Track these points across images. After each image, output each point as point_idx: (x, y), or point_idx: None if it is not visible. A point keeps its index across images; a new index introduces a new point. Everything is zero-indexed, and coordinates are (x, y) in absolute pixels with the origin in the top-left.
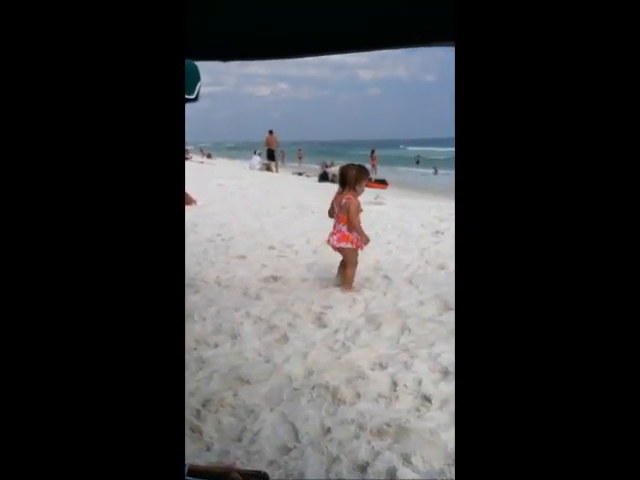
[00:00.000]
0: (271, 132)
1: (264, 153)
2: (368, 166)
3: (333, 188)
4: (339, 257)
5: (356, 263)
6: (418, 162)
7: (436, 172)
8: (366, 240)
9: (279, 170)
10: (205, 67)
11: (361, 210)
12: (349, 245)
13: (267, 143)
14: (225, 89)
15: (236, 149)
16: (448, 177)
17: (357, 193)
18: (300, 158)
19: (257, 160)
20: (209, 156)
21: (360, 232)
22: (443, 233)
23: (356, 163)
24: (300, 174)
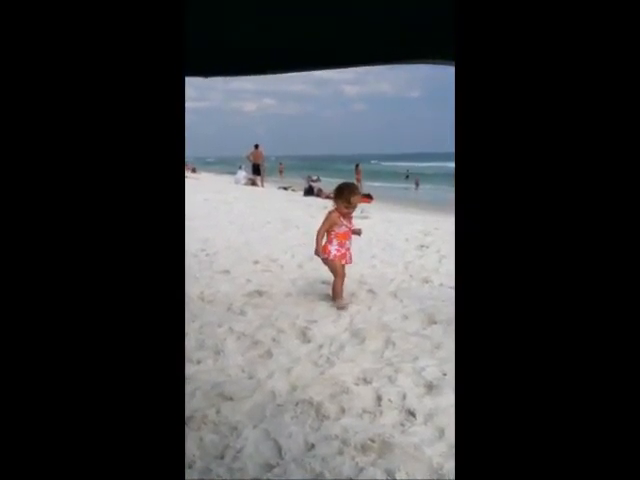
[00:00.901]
0: (257, 146)
1: (249, 168)
2: (353, 180)
3: (318, 202)
4: (324, 271)
5: (337, 271)
6: (407, 177)
7: (417, 187)
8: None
9: (264, 184)
10: (191, 82)
11: (337, 224)
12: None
13: (253, 158)
14: (211, 104)
15: (221, 163)
16: (431, 191)
17: (339, 208)
18: (281, 172)
19: (242, 175)
20: (194, 170)
21: (317, 241)
22: (427, 247)
23: (347, 181)
24: (285, 188)
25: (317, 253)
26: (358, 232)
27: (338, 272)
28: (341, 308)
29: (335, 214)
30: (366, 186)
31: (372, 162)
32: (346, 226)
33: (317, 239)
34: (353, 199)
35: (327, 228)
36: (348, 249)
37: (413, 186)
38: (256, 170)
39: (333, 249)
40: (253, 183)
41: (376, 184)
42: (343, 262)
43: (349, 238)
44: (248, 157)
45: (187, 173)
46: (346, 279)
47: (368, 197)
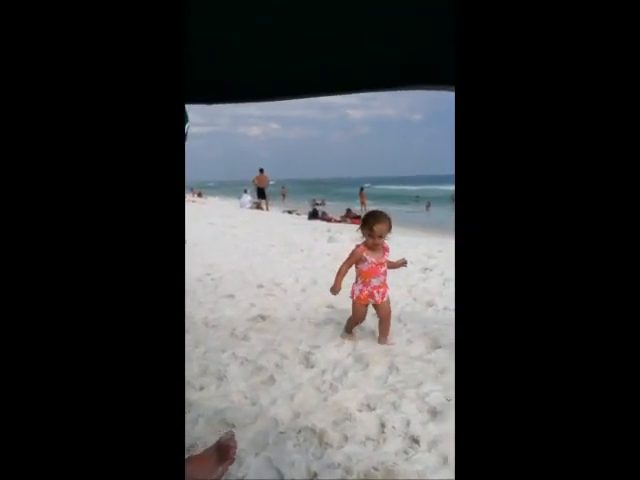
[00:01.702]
0: (262, 170)
1: (255, 192)
2: (357, 203)
3: (322, 226)
4: (327, 295)
5: (355, 315)
6: (417, 197)
7: (428, 208)
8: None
9: (269, 208)
10: (197, 109)
11: (361, 260)
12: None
13: (258, 182)
14: (217, 129)
15: (227, 187)
16: (434, 214)
17: (366, 240)
18: (284, 196)
19: (247, 199)
20: (199, 195)
21: (336, 278)
22: (431, 270)
23: (376, 209)
24: (290, 212)
25: (332, 291)
26: (399, 264)
27: (355, 317)
28: (343, 338)
29: (359, 249)
30: (370, 208)
31: (377, 186)
32: (373, 262)
33: (336, 276)
34: (377, 227)
35: (350, 264)
36: (376, 287)
37: (422, 208)
38: (261, 194)
39: (357, 289)
40: (258, 207)
41: (381, 207)
42: (370, 301)
43: (376, 275)
44: (253, 181)
45: (193, 197)
46: (349, 303)
47: None
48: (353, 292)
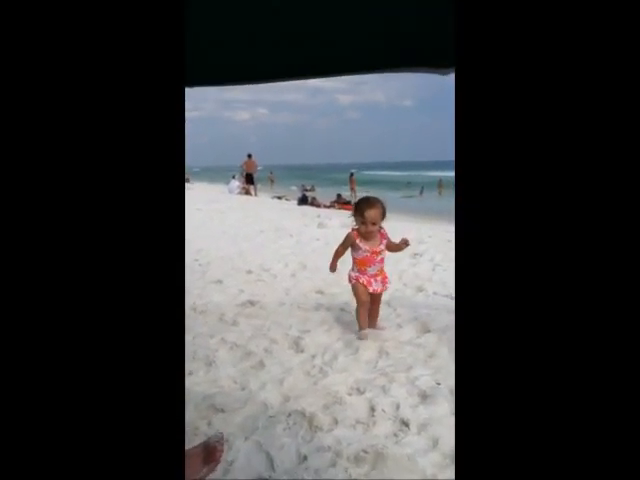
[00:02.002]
0: (250, 156)
1: (243, 177)
2: (347, 189)
3: (312, 211)
4: (317, 280)
5: (359, 297)
6: (409, 183)
7: (421, 193)
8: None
9: (258, 194)
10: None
11: (354, 247)
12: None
13: (246, 167)
14: (204, 114)
15: (214, 173)
16: (425, 200)
17: (359, 228)
18: (272, 181)
19: (236, 184)
20: (187, 180)
21: (333, 257)
22: (421, 255)
23: (370, 195)
24: (279, 198)
25: (330, 269)
26: (402, 245)
27: (358, 298)
28: (362, 339)
29: (352, 234)
30: (361, 194)
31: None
32: (367, 250)
33: (333, 256)
34: (368, 213)
35: (344, 248)
36: (373, 276)
37: (416, 193)
38: (250, 179)
39: (353, 275)
40: (247, 192)
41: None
42: (370, 290)
43: (371, 264)
44: (241, 166)
45: None
46: (338, 288)
47: None
48: (350, 277)
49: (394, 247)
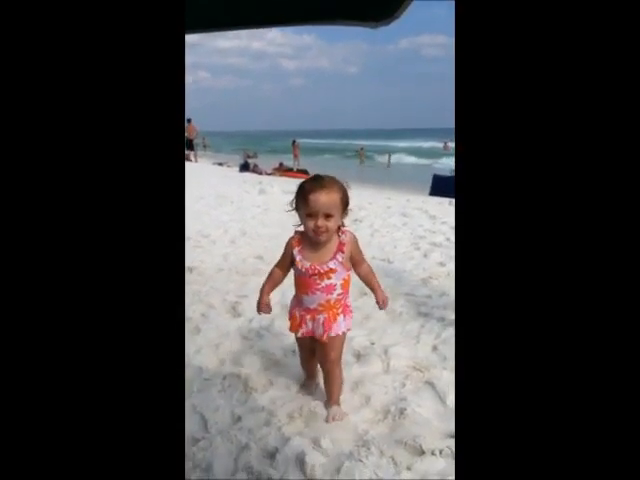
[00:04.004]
0: (189, 121)
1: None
2: (290, 157)
3: (253, 178)
4: (257, 246)
5: (300, 352)
6: (362, 149)
7: (361, 161)
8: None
9: (198, 160)
10: None
11: (295, 263)
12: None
13: (186, 132)
14: None
15: None
16: (370, 168)
17: (303, 229)
18: (205, 146)
19: None
20: None
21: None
22: (361, 221)
23: (320, 174)
24: (221, 164)
25: (258, 307)
26: (370, 283)
27: (299, 350)
28: (306, 393)
29: (291, 241)
30: (304, 161)
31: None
32: (307, 269)
33: (264, 284)
34: (316, 197)
35: (282, 268)
36: (311, 311)
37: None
38: (189, 145)
39: (291, 303)
40: (186, 158)
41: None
42: (299, 333)
43: (309, 291)
44: None
45: None
46: (274, 254)
47: (305, 173)
48: (289, 315)
49: (365, 276)
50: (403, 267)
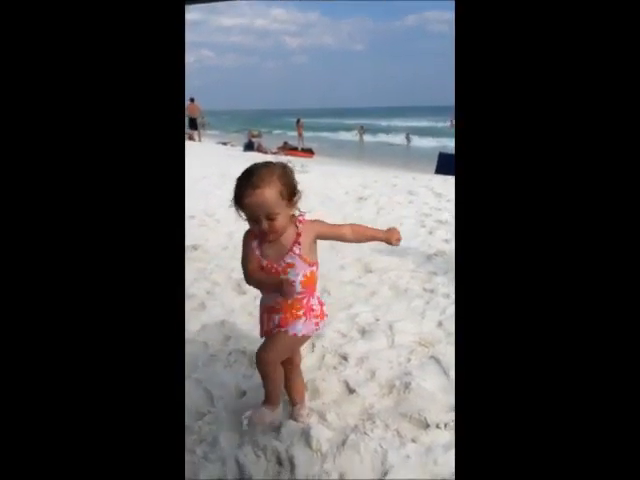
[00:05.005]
0: (192, 100)
1: (186, 122)
2: (295, 135)
3: (258, 157)
4: None
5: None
6: (362, 127)
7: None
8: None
9: (202, 139)
10: None
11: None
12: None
13: (189, 111)
14: None
15: None
16: (375, 147)
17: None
18: (203, 125)
19: None
20: None
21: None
22: (366, 200)
23: (259, 163)
24: (225, 144)
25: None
26: (369, 234)
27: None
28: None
29: (250, 235)
30: (308, 139)
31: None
32: (270, 265)
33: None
34: (250, 200)
35: (252, 261)
36: (267, 310)
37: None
38: (193, 124)
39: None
40: (190, 138)
41: (318, 137)
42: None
43: (272, 294)
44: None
45: None
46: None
47: (309, 152)
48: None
49: (356, 236)
50: (408, 244)
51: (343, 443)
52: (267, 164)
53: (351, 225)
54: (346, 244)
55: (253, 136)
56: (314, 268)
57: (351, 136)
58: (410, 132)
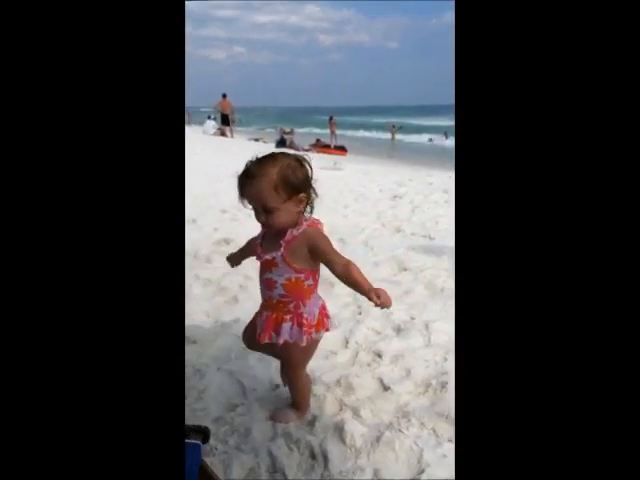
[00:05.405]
0: (224, 96)
1: (218, 118)
2: (327, 132)
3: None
4: None
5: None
6: (400, 127)
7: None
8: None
9: (234, 135)
10: None
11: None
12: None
13: (221, 108)
14: None
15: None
16: (409, 144)
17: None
18: (233, 121)
19: (211, 125)
20: None
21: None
22: (401, 198)
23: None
24: (257, 140)
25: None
26: (351, 279)
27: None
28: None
29: (253, 242)
30: (341, 138)
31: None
32: (259, 254)
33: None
34: (249, 189)
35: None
36: (259, 313)
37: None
38: (225, 120)
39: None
40: (222, 134)
41: (351, 136)
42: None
43: (264, 286)
44: (216, 107)
45: None
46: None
47: (342, 149)
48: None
49: (343, 277)
50: (444, 243)
51: (377, 440)
52: (273, 155)
53: (349, 262)
54: (380, 241)
55: (285, 133)
56: (301, 275)
57: (384, 134)
58: (447, 131)
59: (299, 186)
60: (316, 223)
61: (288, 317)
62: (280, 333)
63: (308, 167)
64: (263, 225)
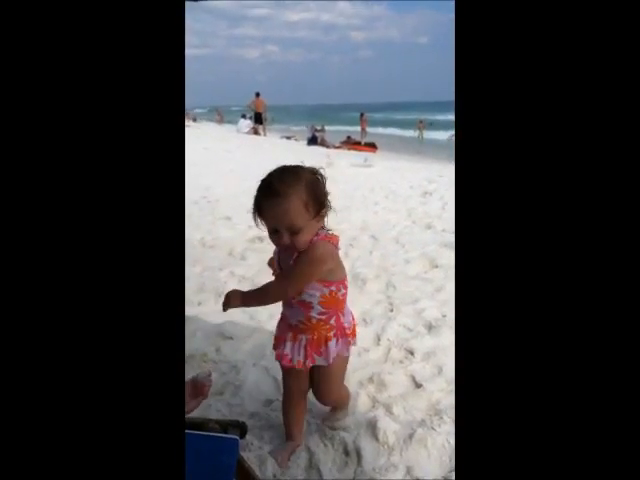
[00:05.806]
0: (258, 95)
1: (252, 116)
2: (358, 129)
3: (321, 151)
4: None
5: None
6: (431, 124)
7: (421, 135)
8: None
9: (267, 133)
10: (192, 29)
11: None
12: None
13: (254, 106)
14: (212, 51)
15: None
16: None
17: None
18: (265, 119)
19: (245, 123)
20: (194, 119)
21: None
22: (431, 194)
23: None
24: (289, 138)
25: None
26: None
27: (286, 393)
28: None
29: (270, 263)
30: (372, 134)
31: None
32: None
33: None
34: (268, 213)
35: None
36: (298, 330)
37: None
38: (258, 119)
39: (277, 328)
40: (255, 132)
41: (382, 133)
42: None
43: (287, 303)
44: (249, 106)
45: (188, 122)
46: (347, 224)
47: (372, 146)
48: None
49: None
50: None
51: (410, 437)
52: (295, 168)
53: (280, 287)
54: (411, 237)
55: (316, 130)
56: (333, 288)
57: (413, 131)
58: None
59: (324, 201)
60: (329, 237)
61: (332, 334)
62: (329, 353)
63: (323, 178)
64: (283, 247)
